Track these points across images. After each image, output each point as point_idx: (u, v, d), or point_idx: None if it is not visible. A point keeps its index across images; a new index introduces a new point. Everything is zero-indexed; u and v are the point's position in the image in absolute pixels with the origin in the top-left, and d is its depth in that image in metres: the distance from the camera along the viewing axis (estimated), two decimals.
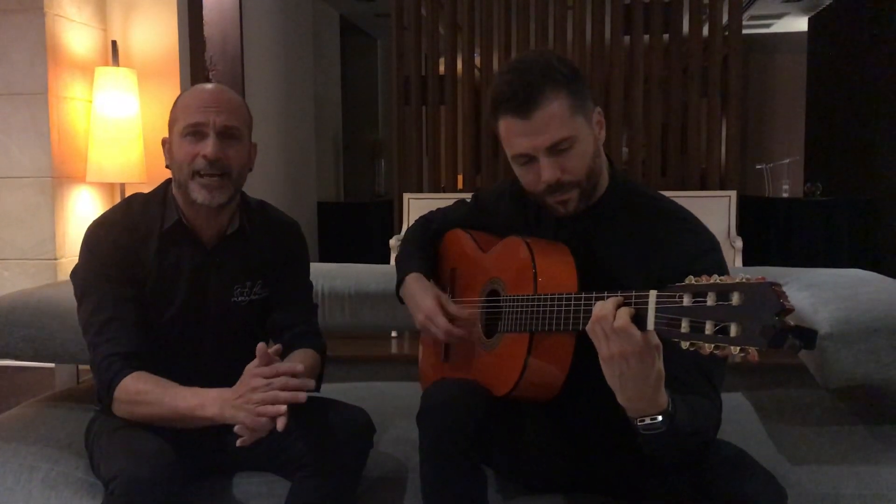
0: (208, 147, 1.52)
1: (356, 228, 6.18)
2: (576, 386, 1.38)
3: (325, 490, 1.47)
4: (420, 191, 5.00)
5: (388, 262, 4.13)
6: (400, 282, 1.69)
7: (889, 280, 1.88)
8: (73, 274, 1.60)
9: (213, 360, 1.59)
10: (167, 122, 1.62)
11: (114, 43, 3.43)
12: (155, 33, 3.56)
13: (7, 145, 3.08)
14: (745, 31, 5.56)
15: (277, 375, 1.38)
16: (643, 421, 1.16)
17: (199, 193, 1.54)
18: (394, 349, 4.16)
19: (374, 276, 2.19)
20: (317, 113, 6.14)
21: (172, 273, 1.59)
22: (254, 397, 1.36)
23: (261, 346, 1.42)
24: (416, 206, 4.62)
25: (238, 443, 1.36)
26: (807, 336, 0.92)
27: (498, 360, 1.46)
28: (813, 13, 7.68)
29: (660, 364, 1.13)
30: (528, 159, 1.38)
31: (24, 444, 1.68)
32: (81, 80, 3.29)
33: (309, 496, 1.48)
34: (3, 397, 2.72)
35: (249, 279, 1.65)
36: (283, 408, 1.34)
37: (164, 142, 1.63)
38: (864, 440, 1.68)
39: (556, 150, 1.35)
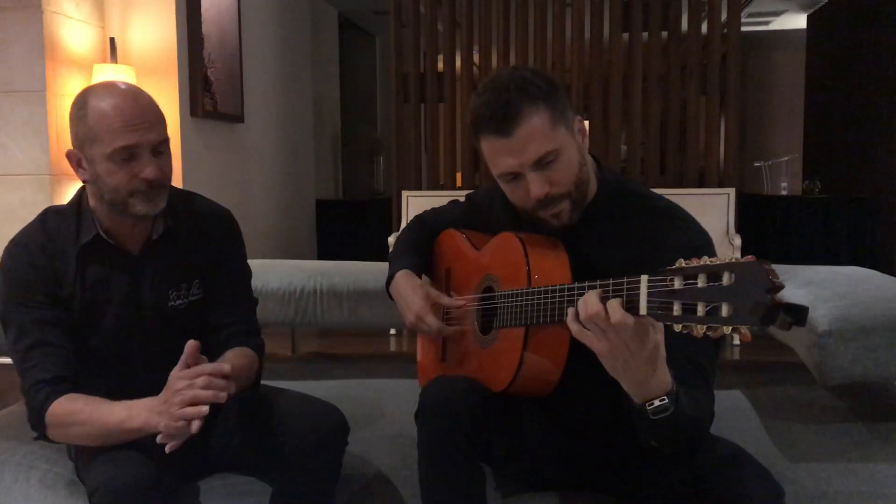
0: (147, 170, 1.43)
1: (355, 226, 6.19)
2: (573, 382, 1.39)
3: (301, 490, 1.45)
4: (419, 188, 5.00)
5: (386, 261, 4.13)
6: (390, 278, 1.69)
7: (887, 278, 1.88)
8: None
9: (159, 369, 1.45)
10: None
11: (112, 40, 3.43)
12: (153, 31, 3.56)
13: (5, 143, 3.08)
14: (743, 29, 5.56)
15: (200, 376, 1.33)
16: (652, 405, 1.16)
17: (140, 206, 1.46)
18: (392, 346, 4.16)
19: (372, 273, 2.19)
20: (315, 110, 6.14)
21: (99, 288, 1.52)
22: (175, 399, 1.31)
23: (190, 344, 1.37)
24: (414, 204, 4.62)
25: (167, 449, 1.32)
26: (798, 312, 0.93)
27: (495, 356, 1.46)
28: (811, 10, 7.69)
29: (659, 340, 1.12)
30: (515, 176, 1.38)
31: (22, 443, 1.68)
32: (80, 77, 3.29)
33: (286, 497, 1.46)
34: (1, 395, 2.72)
35: (185, 281, 1.57)
36: (205, 408, 1.29)
37: (70, 155, 1.50)
38: (861, 437, 1.68)
39: (542, 163, 1.35)
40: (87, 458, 1.45)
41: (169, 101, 3.64)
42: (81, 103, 1.45)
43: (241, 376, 1.51)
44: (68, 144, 1.52)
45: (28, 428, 1.76)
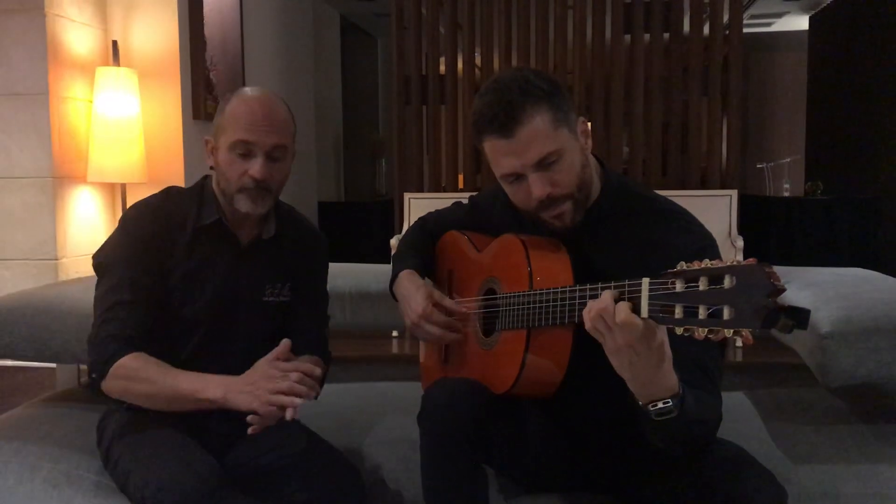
0: (256, 168, 1.54)
1: (357, 228, 6.18)
2: (575, 383, 1.39)
3: None
4: (421, 190, 5.00)
5: (388, 262, 4.13)
6: (394, 278, 1.69)
7: (890, 279, 1.88)
8: (99, 251, 1.60)
9: (239, 357, 1.57)
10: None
11: (114, 43, 3.44)
12: (155, 33, 3.57)
13: (8, 145, 3.09)
14: (745, 30, 5.57)
15: (295, 371, 1.42)
16: (656, 406, 1.16)
17: (243, 204, 1.56)
18: (395, 349, 4.17)
19: (374, 275, 2.20)
20: (317, 112, 6.15)
21: (204, 266, 1.60)
22: (268, 385, 1.39)
23: (286, 342, 1.48)
24: (416, 206, 4.62)
25: (249, 431, 1.39)
26: (799, 315, 0.92)
27: (497, 359, 1.46)
28: (813, 12, 7.68)
29: (666, 344, 1.12)
30: (517, 177, 1.39)
31: (26, 444, 1.68)
32: (82, 80, 3.30)
33: None
34: (5, 397, 2.72)
35: (280, 280, 1.68)
36: (298, 400, 1.38)
37: (207, 140, 1.63)
38: (864, 439, 1.68)
39: (544, 164, 1.35)
40: (140, 452, 1.47)
41: (171, 103, 3.64)
42: (228, 98, 1.60)
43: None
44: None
45: (31, 428, 1.77)
